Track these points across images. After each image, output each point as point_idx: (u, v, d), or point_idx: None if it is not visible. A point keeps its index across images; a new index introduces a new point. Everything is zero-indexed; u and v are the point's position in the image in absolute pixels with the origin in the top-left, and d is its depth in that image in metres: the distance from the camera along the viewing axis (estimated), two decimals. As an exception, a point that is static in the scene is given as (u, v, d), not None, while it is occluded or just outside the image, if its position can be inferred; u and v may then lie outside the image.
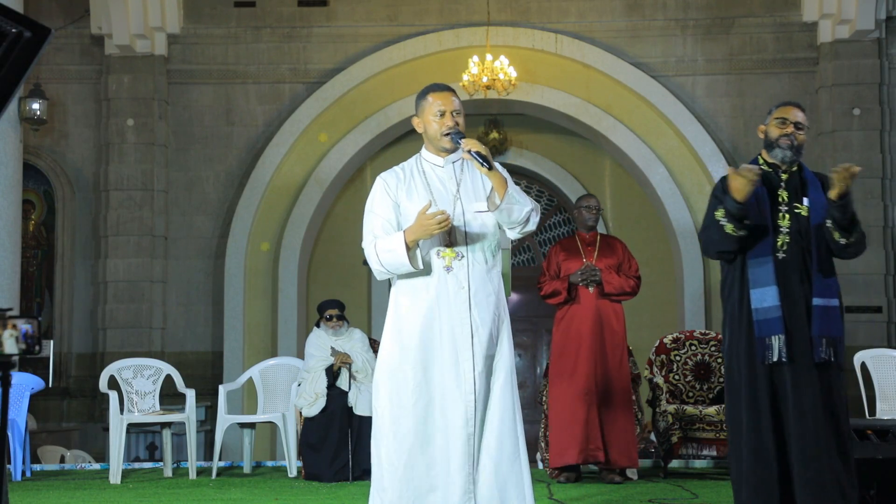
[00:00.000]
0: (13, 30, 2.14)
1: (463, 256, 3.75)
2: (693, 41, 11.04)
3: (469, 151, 3.66)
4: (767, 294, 4.03)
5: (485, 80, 10.07)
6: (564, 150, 12.19)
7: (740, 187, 3.96)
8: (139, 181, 10.87)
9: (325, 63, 11.14)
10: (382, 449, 3.73)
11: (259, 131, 11.14)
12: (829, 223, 4.03)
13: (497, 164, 3.76)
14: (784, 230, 4.08)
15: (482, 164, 3.65)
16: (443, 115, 3.80)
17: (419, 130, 3.89)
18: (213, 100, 11.18)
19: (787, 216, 4.10)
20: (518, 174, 12.30)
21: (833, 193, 4.00)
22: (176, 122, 11.15)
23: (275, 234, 11.05)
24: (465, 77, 10.11)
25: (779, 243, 4.08)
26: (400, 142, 11.67)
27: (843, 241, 4.04)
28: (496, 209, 3.70)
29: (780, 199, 4.12)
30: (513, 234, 3.82)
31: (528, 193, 13.25)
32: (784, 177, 4.14)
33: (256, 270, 10.97)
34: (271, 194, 11.00)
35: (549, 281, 6.56)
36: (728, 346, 4.19)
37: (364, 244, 3.80)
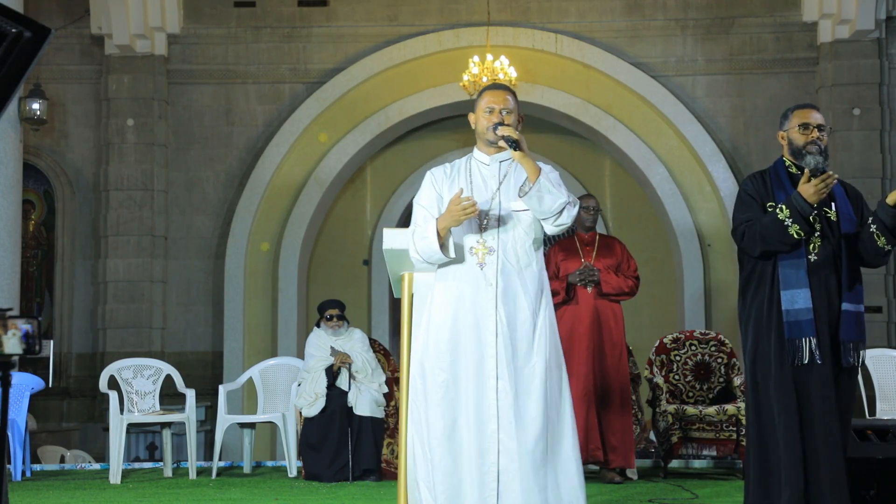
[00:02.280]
0: (13, 30, 2.14)
1: (494, 251, 3.78)
2: (693, 41, 11.04)
3: (502, 136, 3.74)
4: (799, 296, 4.03)
5: (485, 80, 10.06)
6: (564, 150, 12.19)
7: (819, 192, 3.98)
8: (139, 181, 10.87)
9: (325, 63, 11.14)
10: (417, 443, 3.75)
11: (259, 131, 11.14)
12: (873, 227, 4.06)
13: (543, 164, 3.80)
14: (817, 233, 4.09)
15: (510, 146, 3.73)
16: (492, 111, 3.88)
17: (473, 126, 3.99)
18: (213, 100, 11.18)
19: (818, 220, 4.10)
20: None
21: (891, 199, 4.03)
22: (176, 122, 11.15)
23: (275, 234, 11.05)
24: (465, 77, 10.11)
25: (811, 246, 4.09)
26: (400, 142, 11.67)
27: (887, 246, 4.07)
28: (525, 194, 3.72)
29: None
30: (548, 227, 3.80)
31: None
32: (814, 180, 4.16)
33: (256, 270, 10.97)
34: (271, 194, 11.00)
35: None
36: (753, 346, 4.16)
37: (407, 233, 3.86)
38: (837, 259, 4.09)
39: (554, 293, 6.53)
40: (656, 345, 7.30)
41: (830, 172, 4.05)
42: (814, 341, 3.99)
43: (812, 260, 4.07)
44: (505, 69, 10.12)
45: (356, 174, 11.78)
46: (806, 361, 4.00)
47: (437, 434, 3.69)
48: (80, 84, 11.15)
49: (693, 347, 7.23)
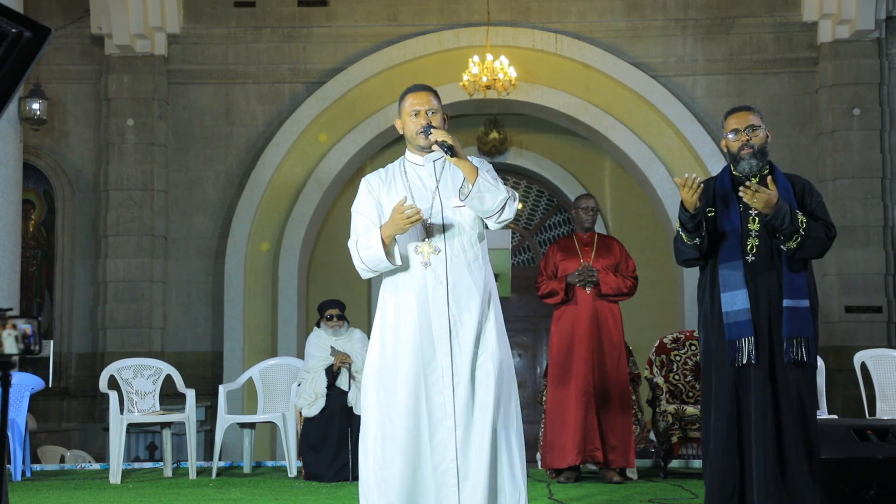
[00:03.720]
0: (13, 30, 2.14)
1: (440, 251, 3.76)
2: (693, 41, 11.04)
3: (436, 141, 3.72)
4: (737, 297, 4.10)
5: (485, 80, 10.07)
6: (564, 150, 12.19)
7: (688, 198, 4.05)
8: (139, 181, 10.87)
9: (325, 63, 11.14)
10: (369, 449, 3.74)
11: (259, 131, 11.14)
12: (778, 238, 4.10)
13: (476, 159, 3.80)
14: (754, 233, 4.15)
15: (446, 152, 3.70)
16: (417, 114, 3.84)
17: (400, 132, 3.94)
18: (213, 100, 11.18)
19: (757, 220, 4.15)
20: (518, 174, 12.31)
21: (746, 197, 4.06)
22: (176, 122, 11.15)
23: (275, 234, 11.05)
24: (465, 77, 10.11)
25: (748, 247, 4.15)
26: (400, 142, 11.58)
27: (783, 248, 4.09)
28: (466, 197, 3.71)
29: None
30: (492, 224, 3.78)
31: (527, 193, 13.21)
32: (754, 181, 4.16)
33: (256, 270, 10.97)
34: (271, 194, 11.00)
35: (546, 281, 6.57)
36: (703, 348, 4.27)
37: (349, 244, 3.85)
38: (777, 257, 4.11)
39: (553, 293, 6.56)
40: (656, 345, 7.30)
41: (689, 175, 4.07)
42: (752, 341, 4.04)
43: (750, 261, 4.13)
44: (505, 69, 10.12)
45: (356, 174, 11.77)
46: (744, 362, 4.04)
47: (393, 439, 3.66)
48: (80, 84, 11.15)
49: (693, 347, 7.24)
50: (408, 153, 3.94)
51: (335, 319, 7.09)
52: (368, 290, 12.01)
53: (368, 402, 3.78)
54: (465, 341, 3.70)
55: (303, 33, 11.19)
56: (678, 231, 4.18)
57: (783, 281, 4.09)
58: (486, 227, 3.84)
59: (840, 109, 10.54)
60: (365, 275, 3.84)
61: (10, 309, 2.28)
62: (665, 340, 7.31)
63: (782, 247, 4.09)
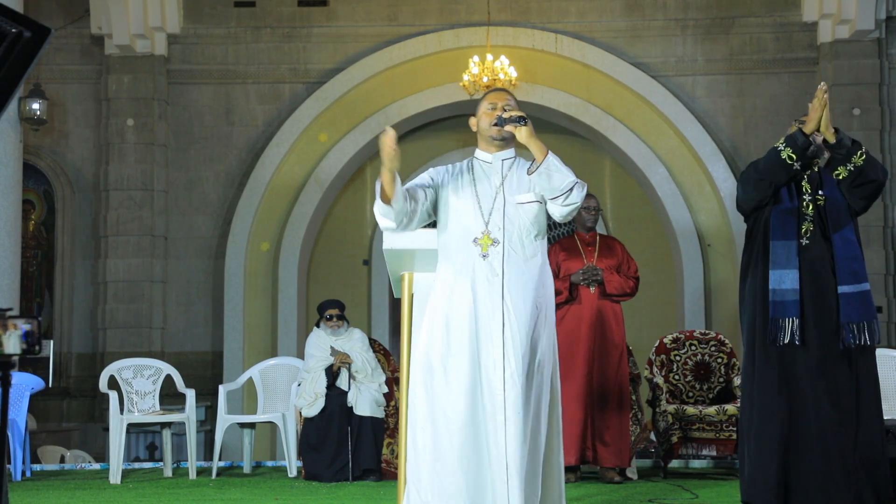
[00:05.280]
0: (13, 30, 2.14)
1: (499, 243, 3.77)
2: (693, 41, 11.04)
3: (510, 117, 3.77)
4: (787, 276, 4.08)
5: (485, 80, 10.07)
6: (564, 150, 12.15)
7: (816, 117, 4.14)
8: (139, 181, 10.88)
9: (325, 63, 11.14)
10: (418, 440, 3.72)
11: (259, 131, 11.14)
12: (836, 171, 4.12)
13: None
14: (809, 218, 4.17)
15: (520, 123, 3.75)
16: (494, 108, 3.91)
17: (473, 129, 4.00)
18: (213, 100, 11.18)
19: (811, 205, 4.16)
20: (518, 174, 12.30)
21: (830, 136, 4.12)
22: (176, 122, 11.15)
23: (275, 234, 11.05)
24: (466, 77, 10.11)
25: (803, 230, 4.15)
26: (400, 142, 11.57)
27: (849, 171, 4.08)
28: (535, 173, 3.73)
29: (805, 189, 4.22)
30: (557, 209, 3.77)
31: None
32: (815, 168, 4.23)
33: (256, 270, 10.97)
34: (271, 194, 11.00)
35: (549, 280, 6.56)
36: (747, 325, 4.22)
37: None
38: (829, 244, 4.12)
39: (557, 293, 6.55)
40: (656, 345, 7.30)
41: (820, 86, 4.21)
42: (796, 321, 4.01)
43: (804, 244, 4.12)
44: (505, 69, 10.12)
45: (356, 174, 11.77)
46: (787, 342, 4.01)
47: (451, 429, 3.64)
48: (80, 84, 11.15)
49: (693, 347, 7.23)
50: (478, 151, 3.98)
51: (335, 319, 7.08)
52: (368, 290, 12.02)
53: (415, 391, 3.76)
54: (517, 335, 3.69)
55: (303, 33, 11.19)
56: (775, 148, 4.15)
57: (837, 267, 4.09)
58: (550, 219, 3.85)
59: (840, 109, 10.53)
60: (383, 226, 3.83)
61: (10, 309, 2.28)
62: (665, 340, 7.30)
63: (844, 170, 4.09)
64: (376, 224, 12.92)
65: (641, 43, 11.06)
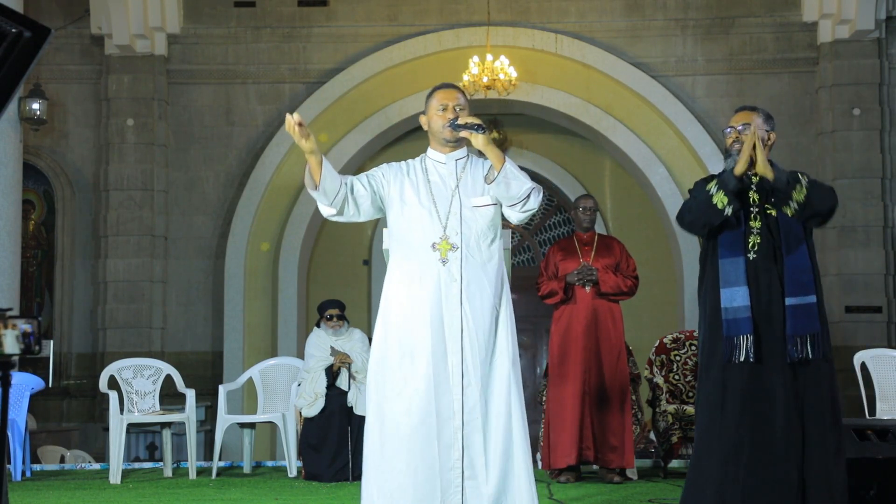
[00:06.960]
0: (13, 30, 2.14)
1: (457, 248, 3.75)
2: (693, 41, 11.04)
3: (465, 124, 3.72)
4: (737, 294, 4.06)
5: (485, 80, 10.08)
6: (564, 150, 12.19)
7: (746, 160, 4.03)
8: (139, 181, 10.88)
9: (325, 63, 11.14)
10: (369, 442, 3.74)
11: (259, 131, 11.14)
12: (783, 208, 4.07)
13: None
14: (755, 231, 4.12)
15: (476, 131, 3.69)
16: (445, 109, 3.86)
17: (425, 128, 3.95)
18: (213, 100, 11.18)
19: (758, 217, 4.13)
20: (518, 174, 12.30)
21: (768, 174, 4.04)
22: (176, 122, 11.15)
23: (275, 234, 11.05)
24: (466, 77, 10.11)
25: (750, 244, 4.12)
26: (400, 142, 11.67)
27: (791, 209, 4.02)
28: (493, 181, 3.70)
29: (752, 201, 4.15)
30: (514, 214, 3.76)
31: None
32: (754, 179, 4.15)
33: (256, 270, 10.97)
34: (271, 194, 11.00)
35: (546, 281, 6.58)
36: (700, 344, 4.23)
37: None
38: (779, 254, 4.10)
39: (553, 293, 6.56)
40: (656, 345, 7.30)
41: (748, 134, 4.09)
42: (750, 338, 4.00)
43: (751, 258, 4.09)
44: (505, 69, 10.12)
45: (356, 174, 11.76)
46: (742, 359, 4.01)
47: (402, 431, 3.65)
48: (80, 84, 11.15)
49: (693, 347, 7.24)
50: (430, 150, 3.95)
51: (335, 319, 7.08)
52: (368, 290, 12.03)
53: (370, 395, 3.77)
54: (476, 341, 3.69)
55: (303, 33, 11.19)
56: (707, 191, 4.08)
57: (785, 279, 4.07)
58: (507, 223, 3.83)
59: (840, 109, 10.54)
60: (328, 216, 3.85)
61: (10, 309, 2.28)
62: (665, 340, 7.30)
63: (789, 209, 4.02)
64: (376, 224, 12.98)
65: (641, 43, 11.06)
